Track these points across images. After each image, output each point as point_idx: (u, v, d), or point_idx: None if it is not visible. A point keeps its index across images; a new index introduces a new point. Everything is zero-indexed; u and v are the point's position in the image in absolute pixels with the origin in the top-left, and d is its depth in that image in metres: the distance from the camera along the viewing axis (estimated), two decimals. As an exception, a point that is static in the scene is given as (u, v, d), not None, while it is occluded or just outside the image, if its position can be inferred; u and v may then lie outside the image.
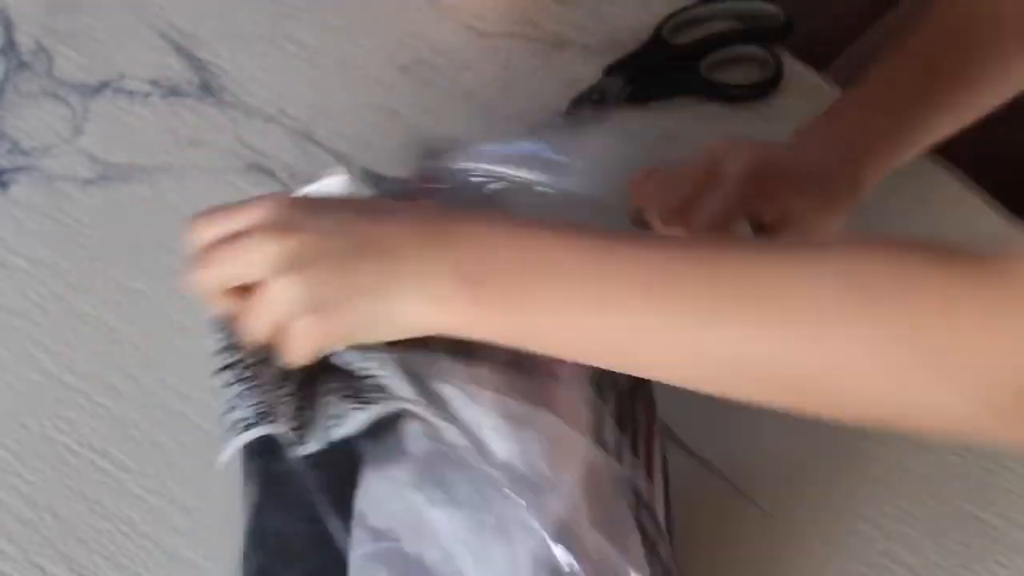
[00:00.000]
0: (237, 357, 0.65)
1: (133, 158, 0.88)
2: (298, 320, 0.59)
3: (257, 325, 0.61)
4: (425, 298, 0.58)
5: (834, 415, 0.57)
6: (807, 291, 0.55)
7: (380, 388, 0.62)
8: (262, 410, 0.63)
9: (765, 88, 0.91)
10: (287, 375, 0.65)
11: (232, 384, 0.64)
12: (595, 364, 0.60)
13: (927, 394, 0.54)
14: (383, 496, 0.61)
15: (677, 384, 0.58)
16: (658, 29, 0.93)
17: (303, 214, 0.59)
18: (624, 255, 0.58)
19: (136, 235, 0.84)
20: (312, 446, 0.62)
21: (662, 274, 0.57)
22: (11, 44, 0.93)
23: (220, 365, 0.65)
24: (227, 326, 0.65)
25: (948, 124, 0.78)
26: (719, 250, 0.58)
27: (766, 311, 0.55)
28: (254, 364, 0.65)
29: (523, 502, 0.60)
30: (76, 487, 0.75)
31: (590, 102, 0.89)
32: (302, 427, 0.63)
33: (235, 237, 0.60)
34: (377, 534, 0.61)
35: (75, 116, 0.90)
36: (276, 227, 0.59)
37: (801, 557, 0.73)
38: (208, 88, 0.91)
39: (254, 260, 0.59)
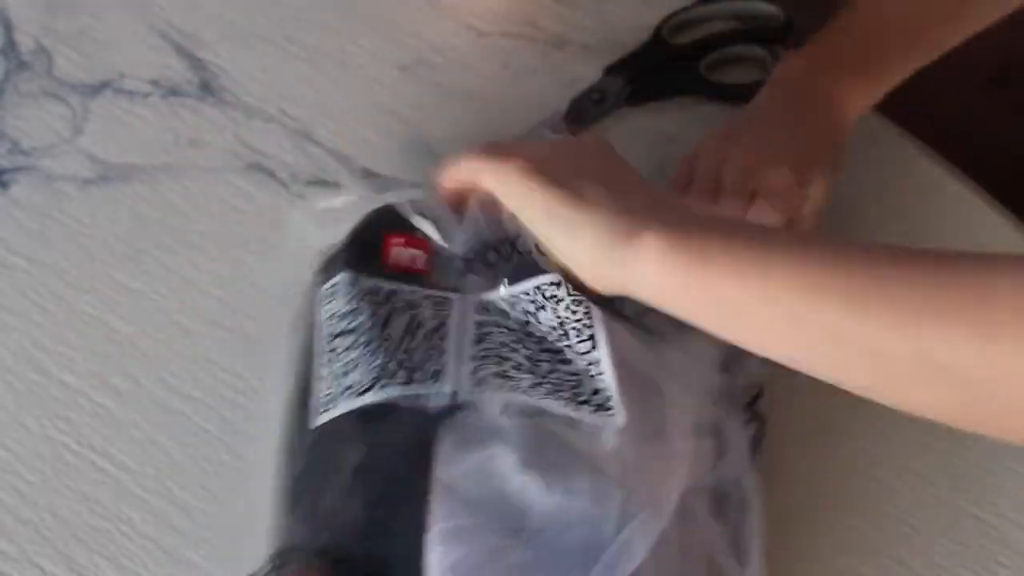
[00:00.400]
0: (359, 321, 0.68)
1: (133, 158, 0.88)
2: (522, 161, 0.65)
3: (487, 154, 0.67)
4: (621, 232, 0.62)
5: (991, 421, 0.57)
6: (991, 287, 0.55)
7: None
8: (375, 375, 0.66)
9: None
10: (414, 330, 0.67)
11: (349, 348, 0.67)
12: (760, 349, 0.61)
13: None
14: (479, 471, 0.63)
15: (821, 374, 0.59)
16: (658, 29, 0.92)
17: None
18: (818, 249, 0.59)
19: (136, 235, 0.84)
20: (438, 400, 0.65)
21: (869, 276, 0.57)
22: (11, 44, 0.93)
23: (339, 329, 0.67)
24: (352, 288, 0.68)
25: (927, 52, 0.79)
26: (902, 253, 0.58)
27: (951, 310, 0.55)
28: (373, 327, 0.67)
29: (639, 512, 0.61)
30: (76, 487, 0.75)
31: (590, 102, 0.89)
32: (420, 380, 0.66)
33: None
34: (471, 508, 0.62)
35: (75, 116, 0.90)
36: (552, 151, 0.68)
37: (801, 557, 0.73)
38: (208, 88, 0.91)
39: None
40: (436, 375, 0.66)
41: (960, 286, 0.55)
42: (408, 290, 0.69)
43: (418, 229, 0.71)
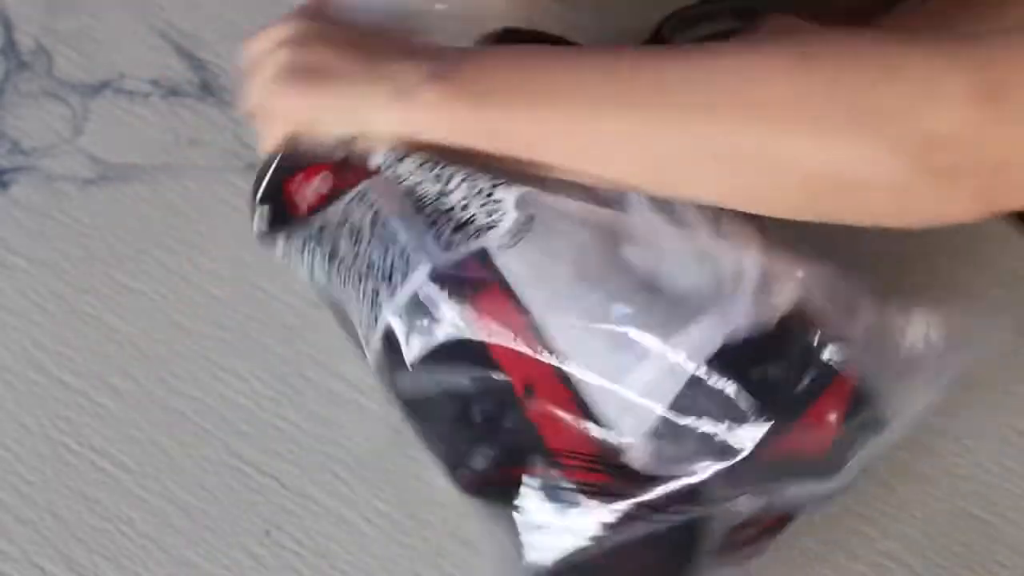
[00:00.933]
0: (321, 273, 0.70)
1: (133, 158, 0.88)
2: (279, 84, 0.65)
3: (250, 88, 0.67)
4: (395, 93, 0.63)
5: (782, 193, 0.60)
6: (755, 69, 0.59)
7: None
8: (368, 311, 0.67)
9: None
10: (358, 241, 0.68)
11: (340, 296, 0.69)
12: (557, 163, 0.63)
13: (857, 148, 0.56)
14: (581, 249, 0.64)
15: (628, 180, 0.62)
16: (658, 29, 0.92)
17: (318, 13, 0.68)
18: (592, 56, 0.64)
19: (136, 235, 0.84)
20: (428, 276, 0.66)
21: (620, 74, 0.61)
22: (11, 44, 0.93)
23: (320, 289, 0.70)
24: (290, 249, 0.70)
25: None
26: (668, 51, 0.64)
27: (719, 96, 0.59)
28: (332, 269, 0.69)
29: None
30: (76, 487, 0.75)
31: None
32: (397, 284, 0.67)
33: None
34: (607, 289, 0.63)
35: (75, 116, 0.90)
36: (291, 19, 0.68)
37: (802, 557, 0.73)
38: (208, 88, 0.91)
39: (267, 50, 0.67)
40: (405, 270, 0.66)
41: (727, 73, 0.59)
42: (332, 212, 0.70)
43: (308, 156, 0.70)
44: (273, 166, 0.71)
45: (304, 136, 0.67)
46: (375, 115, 0.64)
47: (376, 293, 0.67)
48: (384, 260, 0.67)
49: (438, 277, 0.65)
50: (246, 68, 0.68)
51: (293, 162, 0.71)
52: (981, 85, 0.54)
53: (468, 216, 0.65)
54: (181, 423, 0.77)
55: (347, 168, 0.70)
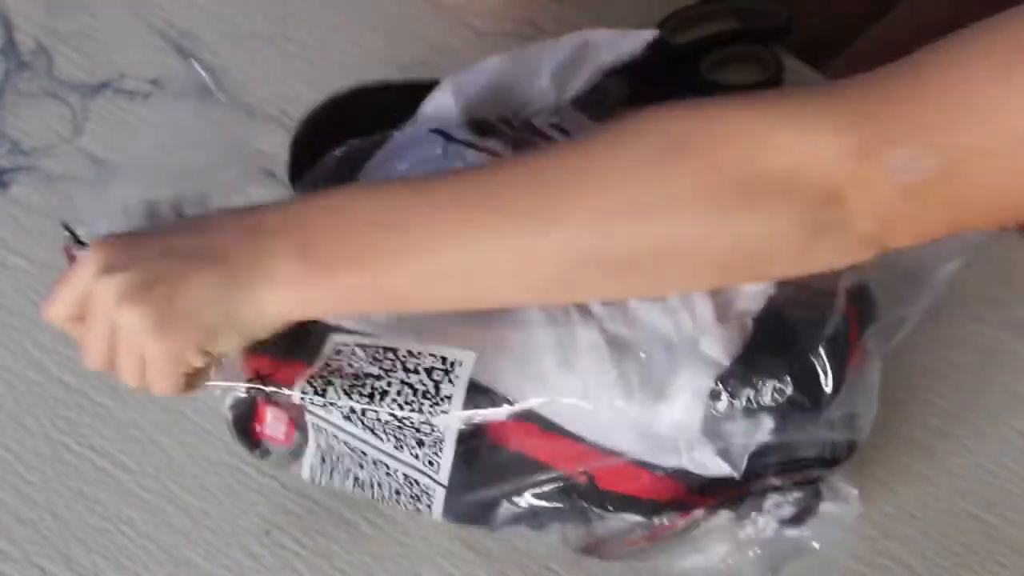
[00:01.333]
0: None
1: (133, 158, 0.88)
2: (152, 346, 0.60)
3: (95, 358, 0.62)
4: (268, 285, 0.60)
5: (692, 280, 0.60)
6: (625, 164, 0.57)
7: None
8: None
9: (765, 88, 0.91)
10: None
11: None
12: (445, 305, 0.62)
13: (752, 227, 0.57)
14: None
15: (523, 301, 0.62)
16: (658, 29, 0.92)
17: (126, 249, 0.61)
18: (442, 188, 0.61)
19: (136, 235, 0.84)
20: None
21: (482, 195, 0.59)
22: (11, 44, 0.93)
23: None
24: (294, 463, 0.71)
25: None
26: (525, 157, 0.62)
27: (590, 199, 0.58)
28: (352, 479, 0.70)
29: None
30: (76, 487, 0.75)
31: (590, 103, 0.89)
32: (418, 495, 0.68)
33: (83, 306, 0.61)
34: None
35: (75, 116, 0.90)
36: (106, 271, 0.60)
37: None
38: (208, 88, 0.91)
39: (102, 313, 0.60)
40: (430, 498, 0.67)
41: (571, 184, 0.58)
42: (314, 438, 0.69)
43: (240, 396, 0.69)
44: (234, 430, 0.71)
45: (204, 372, 0.64)
46: (258, 316, 0.61)
47: (417, 510, 0.69)
48: (399, 488, 0.68)
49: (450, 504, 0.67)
50: (72, 329, 0.63)
51: (240, 408, 0.70)
52: (854, 144, 0.55)
53: (421, 421, 0.65)
54: (181, 423, 0.77)
55: (278, 401, 0.68)
